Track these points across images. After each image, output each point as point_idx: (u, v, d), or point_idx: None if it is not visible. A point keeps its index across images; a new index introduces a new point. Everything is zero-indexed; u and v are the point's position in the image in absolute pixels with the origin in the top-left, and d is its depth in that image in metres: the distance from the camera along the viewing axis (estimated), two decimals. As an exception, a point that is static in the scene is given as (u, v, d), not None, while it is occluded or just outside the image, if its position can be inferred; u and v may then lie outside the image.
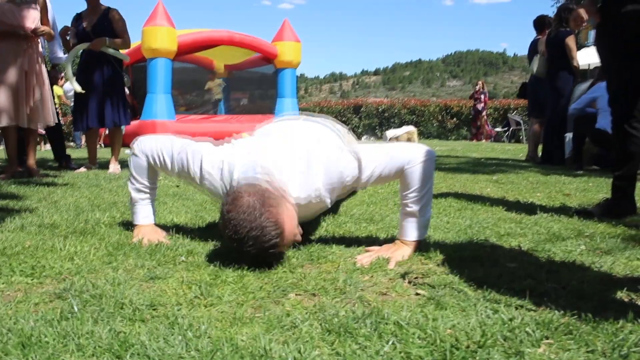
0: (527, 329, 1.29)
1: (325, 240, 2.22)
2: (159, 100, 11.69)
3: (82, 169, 5.29)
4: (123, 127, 5.60)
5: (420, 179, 1.99)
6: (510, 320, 1.35)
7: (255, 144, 2.14)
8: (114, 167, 5.31)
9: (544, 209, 3.20)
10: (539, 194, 3.82)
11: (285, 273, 1.75)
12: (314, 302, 1.50)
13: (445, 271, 1.82)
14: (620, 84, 2.86)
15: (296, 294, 1.57)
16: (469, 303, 1.49)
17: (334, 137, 2.30)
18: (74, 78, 5.18)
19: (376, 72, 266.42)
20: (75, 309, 1.38)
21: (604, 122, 5.76)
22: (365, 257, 1.97)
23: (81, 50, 5.31)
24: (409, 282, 1.71)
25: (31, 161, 4.81)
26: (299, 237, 1.89)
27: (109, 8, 5.31)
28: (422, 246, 2.13)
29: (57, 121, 5.05)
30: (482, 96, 17.29)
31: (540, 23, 7.32)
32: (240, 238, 1.71)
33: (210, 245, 2.08)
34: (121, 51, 5.34)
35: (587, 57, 11.68)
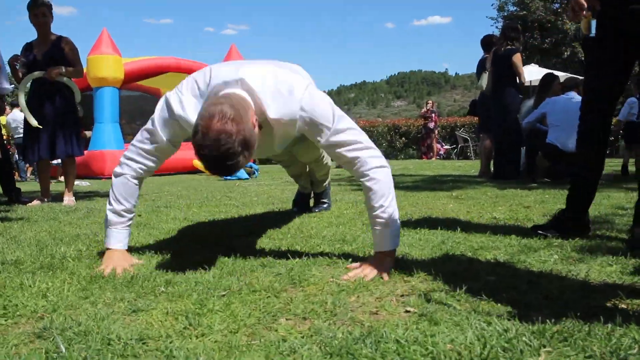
0: (524, 339, 1.30)
1: (303, 263, 2.20)
2: (107, 130, 11.47)
3: (35, 202, 5.10)
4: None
5: (384, 188, 2.05)
6: (506, 331, 1.36)
7: (239, 63, 2.18)
8: (69, 199, 5.14)
9: (509, 221, 3.27)
10: (501, 208, 3.90)
11: (270, 298, 1.72)
12: (307, 326, 1.47)
13: (429, 288, 1.83)
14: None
15: (286, 319, 1.54)
16: (461, 317, 1.49)
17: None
18: (28, 110, 5.00)
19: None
20: (62, 348, 1.31)
21: (554, 136, 5.97)
22: (356, 273, 1.99)
23: (31, 80, 5.17)
24: (396, 301, 1.70)
25: (-20, 196, 4.62)
26: (251, 158, 1.97)
27: (60, 37, 5.19)
28: (402, 264, 2.14)
29: (4, 153, 4.88)
30: (433, 115, 17.65)
31: (488, 42, 7.56)
32: (204, 144, 1.76)
33: (187, 275, 2.02)
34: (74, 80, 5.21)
35: (531, 75, 12.08)
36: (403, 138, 21.07)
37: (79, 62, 5.22)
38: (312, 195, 4.00)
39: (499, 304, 1.63)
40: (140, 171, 2.24)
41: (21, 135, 12.53)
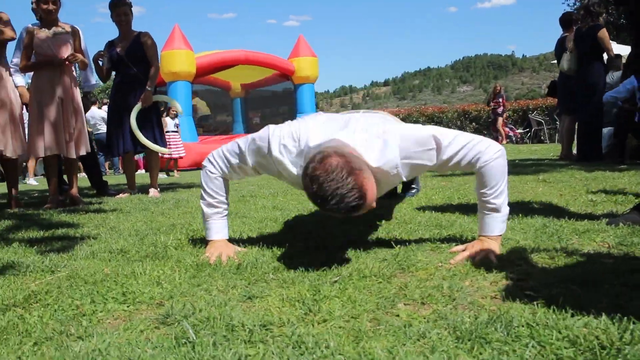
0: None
1: (406, 248, 2.17)
2: (182, 123, 11.75)
3: (123, 195, 5.29)
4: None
5: (498, 174, 2.01)
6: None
7: (326, 121, 2.15)
8: (154, 191, 5.30)
9: (607, 204, 3.13)
10: (595, 190, 3.73)
11: (382, 284, 1.70)
12: (429, 311, 1.44)
13: (543, 271, 1.76)
14: None
15: (404, 304, 1.51)
16: (588, 300, 1.43)
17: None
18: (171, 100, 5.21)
19: (386, 83, 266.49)
20: (192, 334, 1.33)
21: None
22: (464, 255, 1.98)
23: (114, 73, 5.36)
24: (513, 285, 1.65)
25: (74, 190, 4.82)
26: (374, 205, 1.85)
27: (140, 32, 5.34)
28: (508, 248, 2.08)
29: (91, 148, 5.08)
30: (501, 99, 17.16)
31: (567, 20, 7.26)
32: (325, 197, 1.72)
33: (293, 261, 2.03)
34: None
35: (619, 49, 11.46)
36: (473, 123, 20.63)
37: (156, 58, 5.36)
38: None
39: (625, 287, 1.54)
40: (224, 173, 2.28)
41: (100, 131, 13.10)
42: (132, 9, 5.37)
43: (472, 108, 21.35)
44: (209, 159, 2.31)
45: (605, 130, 7.25)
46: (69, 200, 4.81)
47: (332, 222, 2.90)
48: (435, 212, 3.06)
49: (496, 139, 16.99)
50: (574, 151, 7.21)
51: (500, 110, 16.95)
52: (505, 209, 2.07)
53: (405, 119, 20.40)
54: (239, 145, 2.23)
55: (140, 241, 2.62)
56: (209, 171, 2.30)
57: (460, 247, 2.12)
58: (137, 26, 5.22)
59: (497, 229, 2.07)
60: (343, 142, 1.92)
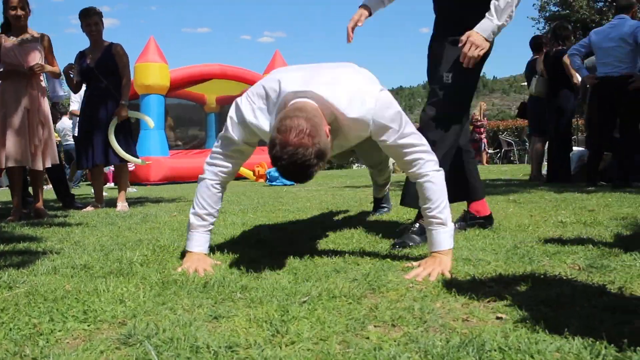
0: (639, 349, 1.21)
1: (377, 268, 2.14)
2: (153, 137, 11.62)
3: (90, 208, 5.17)
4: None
5: (439, 190, 2.16)
6: (616, 338, 1.27)
7: (302, 68, 2.28)
8: (122, 204, 5.19)
9: (577, 225, 3.15)
10: (564, 212, 3.76)
11: (353, 305, 1.67)
12: (400, 333, 1.41)
13: (515, 293, 1.74)
14: None
15: (375, 326, 1.48)
16: (558, 324, 1.41)
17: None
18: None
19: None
20: (154, 356, 1.28)
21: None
22: (418, 272, 2.02)
23: (85, 86, 5.28)
24: (484, 307, 1.63)
25: (39, 203, 4.69)
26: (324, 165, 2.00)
27: (111, 43, 5.26)
28: (479, 269, 2.07)
29: (58, 160, 4.97)
30: (485, 119, 17.18)
31: (537, 44, 7.38)
32: (280, 156, 1.86)
33: (261, 280, 1.98)
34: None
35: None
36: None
37: (127, 70, 5.29)
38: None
39: (595, 309, 1.53)
40: (222, 174, 2.33)
41: (69, 142, 12.87)
42: (104, 20, 5.30)
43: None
44: (205, 168, 2.35)
45: (574, 152, 7.37)
46: (34, 213, 4.68)
47: (302, 240, 2.86)
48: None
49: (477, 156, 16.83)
50: (544, 172, 7.30)
51: (482, 130, 16.86)
52: (451, 224, 2.19)
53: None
54: (221, 136, 2.31)
55: (105, 257, 2.54)
56: (207, 178, 2.33)
57: (415, 263, 2.17)
58: (110, 39, 5.17)
59: (446, 243, 2.15)
60: (319, 95, 2.04)
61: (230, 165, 2.33)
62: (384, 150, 2.27)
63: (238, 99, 2.26)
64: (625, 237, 2.71)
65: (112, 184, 12.19)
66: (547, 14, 27.75)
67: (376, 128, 2.11)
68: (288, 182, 8.77)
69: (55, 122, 5.45)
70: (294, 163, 1.85)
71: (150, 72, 11.36)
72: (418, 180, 2.18)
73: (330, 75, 2.16)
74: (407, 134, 2.14)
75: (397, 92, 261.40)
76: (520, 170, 10.38)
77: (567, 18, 25.46)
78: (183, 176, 11.30)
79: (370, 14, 2.87)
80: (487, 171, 11.18)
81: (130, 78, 5.37)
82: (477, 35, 2.60)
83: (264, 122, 2.16)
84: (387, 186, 3.85)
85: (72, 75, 5.20)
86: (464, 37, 2.62)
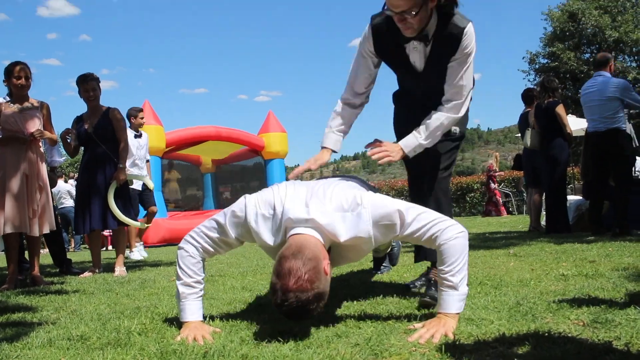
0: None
1: (379, 332, 2.10)
2: (150, 198, 11.61)
3: (87, 274, 5.12)
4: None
5: (456, 253, 2.13)
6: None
7: (302, 190, 2.31)
8: (120, 269, 5.14)
9: (579, 278, 3.12)
10: (565, 264, 3.74)
11: (355, 371, 1.63)
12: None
13: (519, 354, 1.71)
14: None
15: (378, 394, 1.44)
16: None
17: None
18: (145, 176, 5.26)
19: (355, 157, 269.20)
20: None
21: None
22: (422, 334, 1.98)
23: (83, 149, 5.32)
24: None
25: (36, 269, 4.65)
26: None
27: (109, 108, 5.34)
28: (483, 329, 2.03)
29: (55, 225, 4.96)
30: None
31: (528, 96, 7.52)
32: (280, 303, 1.95)
33: (261, 348, 1.94)
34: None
35: (577, 123, 11.85)
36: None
37: (124, 134, 5.35)
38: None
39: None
40: (203, 251, 2.35)
41: (64, 205, 12.88)
42: (103, 82, 5.39)
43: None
44: (186, 240, 2.36)
45: (572, 201, 7.39)
46: (30, 280, 4.63)
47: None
48: (407, 291, 3.01)
49: (493, 211, 16.54)
50: (543, 223, 7.30)
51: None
52: (464, 288, 2.16)
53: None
54: (217, 221, 2.31)
55: (102, 326, 2.49)
56: (186, 250, 2.33)
57: (419, 324, 2.13)
58: (109, 101, 5.28)
59: (454, 307, 2.13)
60: (318, 224, 2.13)
61: (212, 250, 2.35)
62: (404, 240, 2.38)
63: (248, 196, 2.30)
64: (628, 288, 2.68)
65: (110, 247, 12.14)
66: (537, 66, 28.36)
67: (380, 231, 2.19)
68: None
69: (53, 186, 5.48)
70: (294, 309, 1.94)
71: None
72: (438, 248, 2.18)
73: (325, 196, 2.23)
74: (412, 221, 2.16)
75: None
76: (519, 222, 10.36)
77: (556, 70, 26.02)
78: (181, 237, 11.18)
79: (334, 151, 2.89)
80: (486, 224, 11.17)
81: (128, 142, 5.42)
82: (396, 147, 2.67)
83: (263, 230, 2.23)
84: (387, 250, 3.84)
85: (69, 140, 5.24)
86: (379, 144, 2.68)
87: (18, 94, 4.68)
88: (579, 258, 3.98)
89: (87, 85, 5.26)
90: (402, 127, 2.89)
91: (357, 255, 2.38)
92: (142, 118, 7.87)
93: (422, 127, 2.66)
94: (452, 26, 2.53)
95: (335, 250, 2.28)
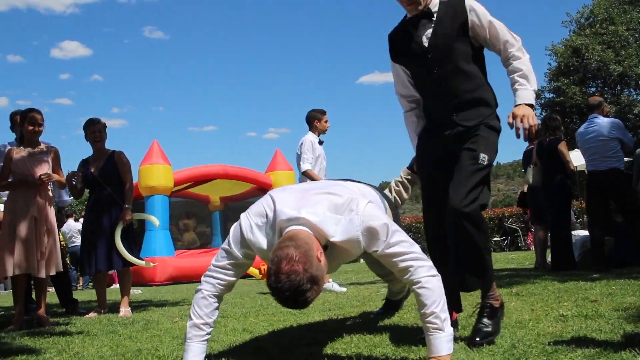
0: None
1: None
2: (158, 237, 11.70)
3: (92, 314, 5.15)
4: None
5: (434, 295, 2.19)
6: None
7: (297, 192, 2.42)
8: (125, 309, 5.17)
9: (578, 319, 3.13)
10: (566, 303, 3.75)
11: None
12: None
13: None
14: None
15: None
16: None
17: (378, 199, 2.76)
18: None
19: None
20: None
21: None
22: None
23: (88, 191, 5.41)
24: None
25: (42, 310, 4.70)
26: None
27: (114, 151, 5.45)
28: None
29: (63, 264, 5.03)
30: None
31: (531, 133, 7.57)
32: (275, 285, 2.02)
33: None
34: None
35: (575, 160, 11.89)
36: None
37: (129, 176, 5.44)
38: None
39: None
40: (219, 286, 2.42)
41: (75, 244, 12.96)
42: (111, 122, 5.52)
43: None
44: (203, 279, 2.45)
45: (577, 237, 7.39)
46: (36, 320, 4.68)
47: (300, 346, 2.85)
48: (406, 334, 3.02)
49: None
50: (549, 259, 7.29)
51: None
52: (449, 329, 2.19)
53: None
54: (223, 248, 2.42)
55: (103, 370, 2.53)
56: (203, 291, 2.42)
57: None
58: (119, 138, 5.45)
59: (444, 349, 2.16)
60: (309, 222, 2.20)
61: (228, 278, 2.42)
62: (379, 260, 2.35)
63: (242, 214, 2.42)
64: (625, 330, 2.69)
65: (117, 285, 12.17)
66: (543, 101, 28.49)
67: (366, 241, 2.25)
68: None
69: (60, 226, 5.58)
70: (288, 289, 1.99)
71: (154, 174, 11.63)
72: (412, 287, 2.24)
73: (319, 197, 2.32)
74: (395, 243, 2.23)
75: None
76: (527, 258, 10.31)
77: (562, 104, 26.13)
78: (189, 276, 11.27)
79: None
80: (493, 260, 11.11)
81: (133, 183, 5.52)
82: (523, 108, 2.62)
83: (261, 239, 2.32)
84: (402, 298, 3.90)
85: (74, 182, 5.34)
86: (511, 117, 2.63)
87: (30, 139, 4.82)
88: (580, 297, 3.98)
89: (94, 127, 5.39)
90: (423, 162, 2.98)
91: (348, 256, 2.44)
92: (326, 122, 6.74)
93: (519, 79, 2.68)
94: (452, 2, 2.73)
95: (328, 250, 2.31)
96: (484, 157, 2.69)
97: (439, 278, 2.24)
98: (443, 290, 2.23)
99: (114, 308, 5.44)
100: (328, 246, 2.28)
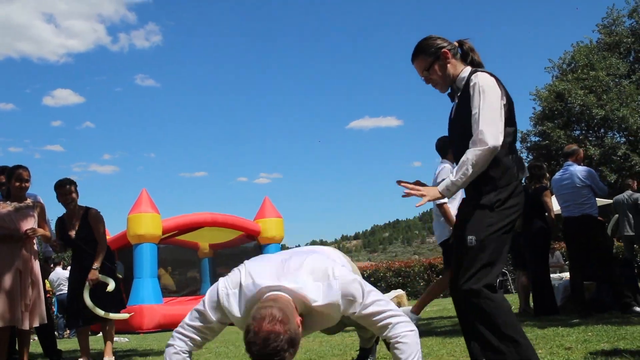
0: None
1: None
2: (146, 285, 11.70)
3: (76, 366, 5.17)
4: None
5: (412, 348, 2.30)
6: None
7: (274, 261, 2.52)
8: (109, 359, 5.20)
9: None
10: (541, 351, 3.82)
11: None
12: None
13: None
14: None
15: None
16: None
17: (345, 261, 2.85)
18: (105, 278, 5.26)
19: (356, 236, 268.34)
20: None
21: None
22: None
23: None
24: None
25: (25, 361, 4.73)
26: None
27: (87, 209, 5.46)
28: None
29: (48, 313, 5.09)
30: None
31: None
32: (253, 341, 2.07)
33: None
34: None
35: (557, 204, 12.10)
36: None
37: (102, 236, 5.40)
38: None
39: None
40: (190, 344, 2.48)
41: (63, 291, 12.90)
42: (103, 168, 5.61)
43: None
44: (174, 335, 2.52)
45: (560, 282, 7.48)
46: (19, 374, 4.70)
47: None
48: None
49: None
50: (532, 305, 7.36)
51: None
52: None
53: (373, 274, 20.44)
54: (198, 310, 2.48)
55: None
56: (175, 347, 2.48)
57: None
58: (110, 184, 5.50)
59: None
60: (289, 289, 2.29)
61: (199, 339, 2.50)
62: (357, 320, 2.46)
63: (220, 280, 2.52)
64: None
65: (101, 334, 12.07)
66: (529, 144, 28.89)
67: (345, 304, 2.35)
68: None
69: (46, 276, 5.65)
70: (266, 347, 2.05)
71: (143, 222, 11.70)
72: (390, 342, 2.36)
73: (297, 267, 2.41)
74: (370, 303, 2.36)
75: (393, 226, 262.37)
76: (513, 302, 10.34)
77: (548, 148, 26.52)
78: (177, 323, 11.12)
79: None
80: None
81: (105, 243, 5.42)
82: (432, 188, 2.69)
83: (234, 307, 2.39)
84: (375, 343, 3.94)
85: (57, 250, 5.43)
86: (417, 185, 2.74)
87: (17, 194, 4.94)
88: (555, 345, 4.05)
89: (63, 190, 5.34)
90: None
91: (328, 322, 2.50)
92: None
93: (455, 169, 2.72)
94: (466, 80, 2.75)
95: (306, 317, 2.40)
96: (470, 239, 2.68)
97: (416, 332, 2.36)
98: (419, 343, 2.35)
99: (99, 357, 5.45)
100: (304, 315, 2.37)
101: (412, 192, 2.63)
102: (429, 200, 2.63)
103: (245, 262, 2.57)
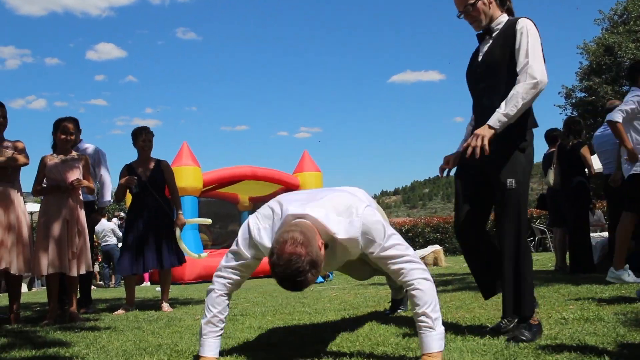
0: None
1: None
2: (187, 237, 11.97)
3: (120, 311, 5.43)
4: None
5: (425, 295, 2.34)
6: None
7: (304, 194, 2.69)
8: (166, 306, 5.58)
9: (578, 322, 3.22)
10: (572, 307, 3.84)
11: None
12: None
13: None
14: None
15: None
16: None
17: (374, 204, 2.93)
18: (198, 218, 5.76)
19: (395, 192, 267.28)
20: None
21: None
22: None
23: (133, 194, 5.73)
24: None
25: (73, 307, 5.00)
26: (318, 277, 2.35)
27: (159, 160, 5.83)
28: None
29: (95, 262, 5.33)
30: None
31: (551, 137, 7.61)
32: (276, 263, 2.19)
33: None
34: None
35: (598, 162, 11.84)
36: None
37: (174, 183, 5.89)
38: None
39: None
40: (229, 285, 2.62)
41: (107, 242, 13.37)
42: (145, 122, 5.86)
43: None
44: (214, 279, 2.65)
45: (598, 240, 7.41)
46: (68, 316, 4.96)
47: (311, 343, 3.03)
48: (408, 333, 3.17)
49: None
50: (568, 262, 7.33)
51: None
52: (440, 328, 2.34)
53: (411, 229, 20.48)
54: (232, 250, 2.61)
55: (125, 362, 2.75)
56: (215, 290, 2.61)
57: None
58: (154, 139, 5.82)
59: (435, 346, 2.30)
60: (314, 217, 2.38)
61: (237, 277, 2.62)
62: (375, 262, 2.51)
63: (250, 217, 2.63)
64: (618, 333, 2.79)
65: (147, 283, 12.53)
66: (574, 101, 28.14)
67: (364, 242, 2.42)
68: (318, 280, 8.91)
69: (95, 225, 5.95)
70: (288, 268, 2.16)
71: (184, 175, 11.90)
72: (407, 288, 2.41)
73: (324, 199, 2.50)
74: (390, 247, 2.40)
75: (433, 182, 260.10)
76: (551, 260, 10.28)
77: (594, 104, 25.80)
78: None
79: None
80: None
81: (177, 190, 5.94)
82: (482, 128, 2.76)
83: (266, 241, 2.49)
84: (404, 291, 4.01)
85: (133, 189, 5.61)
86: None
87: (62, 147, 5.14)
88: (587, 301, 4.07)
89: (144, 136, 5.78)
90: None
91: (349, 256, 2.61)
92: None
93: (503, 102, 2.77)
94: (510, 22, 2.92)
95: (330, 248, 2.48)
96: (510, 182, 2.86)
97: (431, 282, 2.39)
98: (435, 292, 2.38)
99: (141, 305, 5.71)
100: (328, 245, 2.46)
101: (472, 145, 2.73)
102: (486, 140, 2.72)
103: (278, 196, 2.68)
